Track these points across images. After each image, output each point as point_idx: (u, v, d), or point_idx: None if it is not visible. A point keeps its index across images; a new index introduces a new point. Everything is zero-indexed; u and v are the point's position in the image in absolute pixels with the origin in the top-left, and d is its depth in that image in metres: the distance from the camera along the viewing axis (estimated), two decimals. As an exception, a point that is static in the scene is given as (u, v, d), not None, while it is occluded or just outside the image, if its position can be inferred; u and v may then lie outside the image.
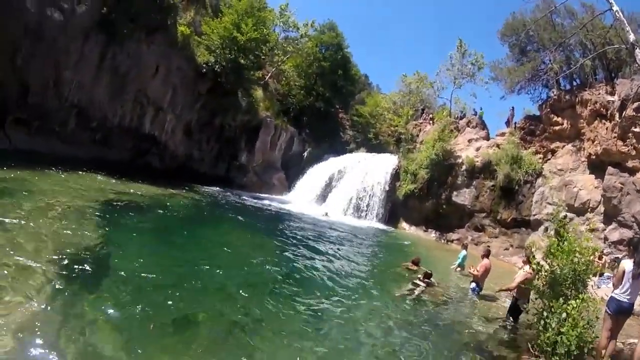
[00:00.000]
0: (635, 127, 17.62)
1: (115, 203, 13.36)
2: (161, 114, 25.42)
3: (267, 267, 10.09)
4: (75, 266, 7.02)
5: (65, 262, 7.07)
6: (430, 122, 33.68)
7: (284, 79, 39.93)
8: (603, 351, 6.04)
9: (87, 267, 7.12)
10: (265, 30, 30.53)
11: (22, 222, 8.57)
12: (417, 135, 33.31)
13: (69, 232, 8.75)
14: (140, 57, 22.91)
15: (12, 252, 6.86)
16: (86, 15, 20.16)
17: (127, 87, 23.11)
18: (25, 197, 10.88)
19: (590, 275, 6.45)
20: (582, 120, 21.13)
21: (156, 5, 22.61)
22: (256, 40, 28.16)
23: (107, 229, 9.78)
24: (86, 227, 9.49)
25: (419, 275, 11.40)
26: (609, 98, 19.52)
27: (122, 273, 7.30)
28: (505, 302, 10.31)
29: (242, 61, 27.42)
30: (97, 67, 21.55)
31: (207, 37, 27.08)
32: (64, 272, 6.64)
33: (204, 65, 26.33)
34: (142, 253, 8.73)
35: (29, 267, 6.49)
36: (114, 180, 17.76)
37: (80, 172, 17.40)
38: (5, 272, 6.13)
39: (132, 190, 16.60)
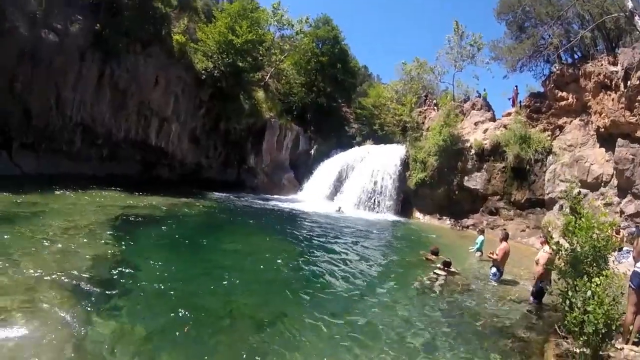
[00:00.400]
0: (642, 96, 17.28)
1: (128, 217, 13.53)
2: (166, 125, 25.60)
3: (287, 268, 10.18)
4: (94, 282, 7.17)
5: (84, 278, 7.24)
6: (435, 108, 33.38)
7: (283, 78, 39.89)
8: (630, 327, 5.99)
9: (106, 283, 7.29)
10: (260, 30, 30.60)
11: (38, 244, 8.75)
12: (423, 123, 33.05)
13: (84, 250, 8.92)
14: (138, 70, 23.09)
15: (31, 273, 7.02)
16: (80, 34, 20.36)
17: (129, 101, 23.32)
18: (38, 219, 11.08)
19: (611, 251, 6.36)
20: (587, 93, 20.79)
21: (148, 17, 22.82)
22: (252, 41, 28.20)
23: (122, 244, 9.96)
24: (101, 244, 9.67)
25: (439, 265, 11.37)
26: (612, 68, 19.15)
27: (141, 284, 7.47)
28: (527, 284, 10.27)
29: (240, 64, 27.46)
30: (96, 84, 21.81)
31: (203, 43, 27.19)
32: (84, 289, 6.82)
33: (203, 72, 26.44)
34: (158, 264, 8.83)
35: (51, 286, 6.65)
36: (125, 195, 17.94)
37: (91, 190, 17.64)
38: (27, 291, 6.29)
39: (144, 204, 16.75)
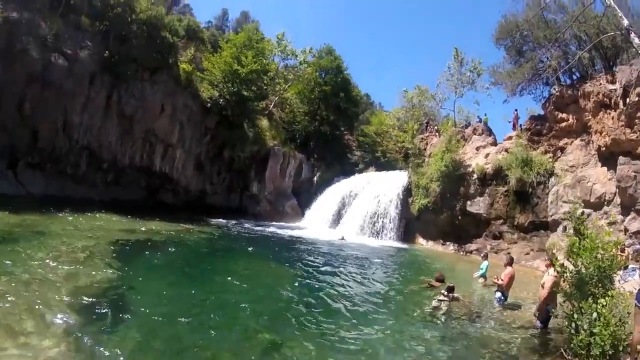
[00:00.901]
0: (641, 112, 17.30)
1: (131, 243, 13.50)
2: (171, 151, 25.90)
3: (289, 297, 10.01)
4: (95, 308, 7.08)
5: (84, 304, 7.14)
6: (436, 134, 33.56)
7: (287, 106, 40.48)
8: (638, 346, 5.82)
9: (106, 309, 7.17)
10: (264, 60, 31.26)
11: (39, 266, 8.69)
12: (425, 149, 33.16)
13: (85, 275, 8.85)
14: (145, 97, 23.59)
15: (31, 297, 6.93)
16: (89, 59, 20.92)
17: (135, 127, 23.71)
18: (40, 241, 11.09)
19: (616, 270, 6.25)
20: (587, 113, 20.87)
21: (157, 46, 23.40)
22: (257, 71, 28.80)
23: (124, 269, 9.88)
24: (103, 268, 9.60)
25: (443, 291, 11.18)
26: (611, 87, 19.25)
27: (141, 311, 7.33)
28: (532, 309, 10.05)
29: (245, 93, 27.97)
30: (104, 109, 22.31)
31: (209, 72, 27.79)
32: (84, 315, 6.69)
33: (209, 100, 26.97)
34: (161, 291, 8.75)
35: (50, 310, 6.56)
36: (128, 220, 17.97)
37: (95, 214, 17.73)
38: (26, 316, 6.19)
39: (147, 229, 16.73)
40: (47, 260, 9.32)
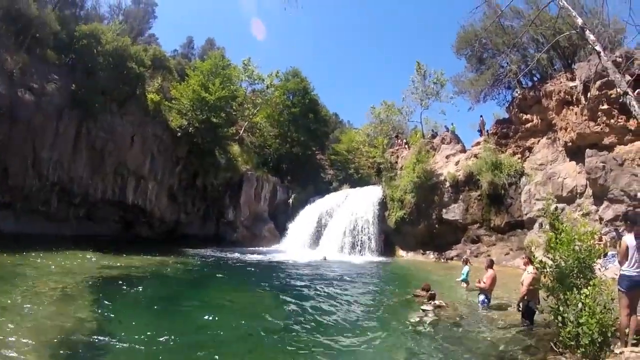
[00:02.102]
0: (603, 105, 18.03)
1: (106, 279, 13.07)
2: (143, 183, 25.51)
3: (272, 321, 9.71)
4: (67, 352, 6.68)
5: (60, 349, 6.72)
6: (406, 146, 34.11)
7: (257, 131, 40.49)
8: (626, 330, 5.90)
9: (83, 351, 6.79)
10: (232, 86, 31.39)
11: (11, 309, 8.22)
12: (396, 162, 33.62)
13: (60, 316, 8.42)
14: (115, 129, 23.35)
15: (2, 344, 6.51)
16: (57, 93, 20.65)
17: (106, 160, 23.41)
18: (13, 282, 10.57)
19: (595, 259, 6.36)
20: (550, 112, 21.62)
21: (124, 77, 23.26)
22: (225, 97, 28.84)
23: (100, 307, 9.46)
24: (78, 308, 9.19)
25: (424, 300, 11.19)
26: (572, 84, 20.08)
27: (120, 351, 6.97)
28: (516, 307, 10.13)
29: (214, 120, 27.85)
30: (73, 144, 21.97)
31: (177, 101, 27.65)
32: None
33: (178, 129, 26.72)
34: (139, 327, 8.34)
35: (20, 354, 6.16)
36: (104, 256, 17.42)
37: (69, 251, 17.21)
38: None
39: (123, 264, 16.21)
40: (20, 303, 8.84)
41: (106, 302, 9.99)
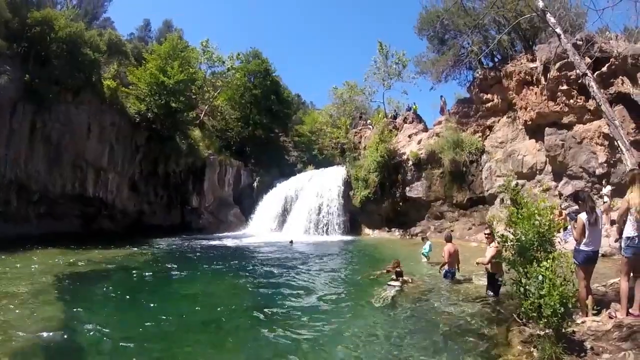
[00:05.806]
0: (562, 86, 18.61)
1: (73, 276, 12.65)
2: (102, 174, 24.65)
3: (242, 305, 9.75)
4: (43, 351, 6.47)
5: (31, 349, 6.51)
6: (369, 127, 34.35)
7: (219, 114, 39.69)
8: (586, 301, 6.23)
9: (54, 350, 6.59)
10: (191, 69, 30.45)
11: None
12: (360, 142, 33.89)
13: (28, 318, 8.07)
14: (70, 119, 22.34)
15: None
16: (9, 85, 19.50)
17: (63, 153, 22.44)
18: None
19: (555, 233, 6.62)
20: (510, 92, 22.17)
21: (78, 64, 22.11)
22: (184, 81, 28.00)
23: (69, 305, 9.17)
24: (47, 308, 8.83)
25: (392, 276, 11.41)
26: (532, 65, 20.62)
27: (90, 346, 6.78)
28: (481, 280, 10.48)
29: (173, 104, 27.05)
30: (29, 138, 20.90)
31: (135, 86, 26.63)
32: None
33: (137, 115, 25.81)
34: (109, 321, 8.13)
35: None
36: (68, 253, 16.77)
37: (30, 251, 16.52)
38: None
39: (88, 259, 15.63)
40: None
41: (75, 300, 9.73)
